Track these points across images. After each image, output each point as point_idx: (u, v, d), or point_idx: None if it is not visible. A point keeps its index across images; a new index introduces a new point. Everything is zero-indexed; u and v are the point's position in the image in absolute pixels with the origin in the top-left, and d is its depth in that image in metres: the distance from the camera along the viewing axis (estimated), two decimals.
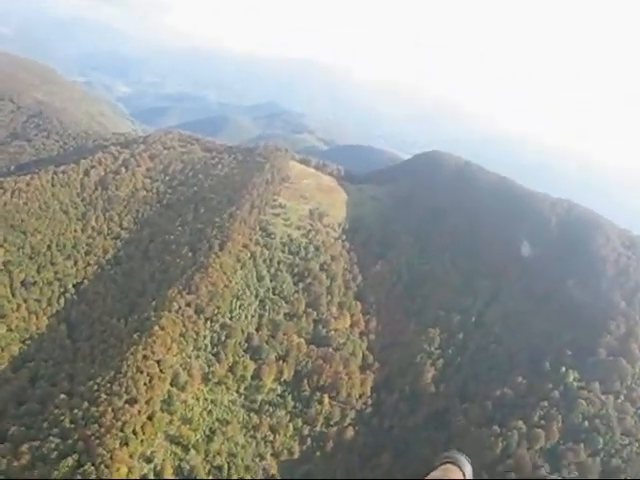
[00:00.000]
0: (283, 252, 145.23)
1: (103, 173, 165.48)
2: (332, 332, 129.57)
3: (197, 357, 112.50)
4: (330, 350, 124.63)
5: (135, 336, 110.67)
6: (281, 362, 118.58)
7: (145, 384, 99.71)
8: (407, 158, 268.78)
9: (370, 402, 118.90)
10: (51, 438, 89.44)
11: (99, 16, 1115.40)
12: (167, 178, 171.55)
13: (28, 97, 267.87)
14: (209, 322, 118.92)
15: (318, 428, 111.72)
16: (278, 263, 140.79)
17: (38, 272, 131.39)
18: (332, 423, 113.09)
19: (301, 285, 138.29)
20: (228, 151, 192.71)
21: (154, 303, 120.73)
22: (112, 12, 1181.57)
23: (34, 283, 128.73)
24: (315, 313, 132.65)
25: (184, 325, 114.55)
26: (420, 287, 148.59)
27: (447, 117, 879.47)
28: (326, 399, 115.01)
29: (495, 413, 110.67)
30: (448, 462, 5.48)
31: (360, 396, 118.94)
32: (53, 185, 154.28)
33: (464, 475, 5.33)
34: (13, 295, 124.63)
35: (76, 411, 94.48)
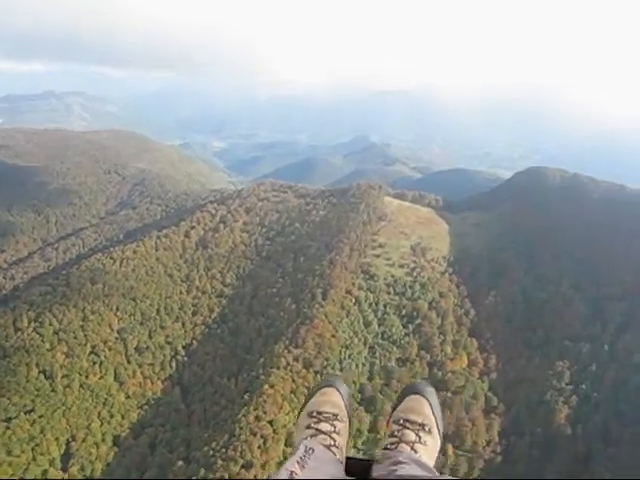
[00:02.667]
0: (388, 294, 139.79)
1: (202, 232, 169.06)
2: (449, 374, 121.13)
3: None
4: (449, 395, 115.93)
5: (246, 396, 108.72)
6: None
7: (259, 447, 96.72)
8: (507, 177, 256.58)
9: (499, 449, 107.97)
10: None
11: (191, 82, 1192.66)
12: (264, 230, 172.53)
13: (131, 167, 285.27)
14: (319, 375, 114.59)
15: None
16: (384, 306, 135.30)
17: (150, 337, 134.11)
18: (459, 475, 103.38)
19: (411, 327, 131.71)
20: (321, 195, 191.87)
21: (262, 360, 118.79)
22: (204, 80, 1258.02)
23: (147, 348, 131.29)
24: (429, 356, 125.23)
25: (294, 381, 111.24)
26: (540, 317, 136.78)
27: (541, 124, 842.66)
28: (450, 449, 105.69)
29: None
30: (413, 393, 5.25)
31: (487, 443, 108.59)
32: (157, 250, 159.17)
33: (431, 406, 5.18)
34: (128, 362, 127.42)
35: (194, 478, 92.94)
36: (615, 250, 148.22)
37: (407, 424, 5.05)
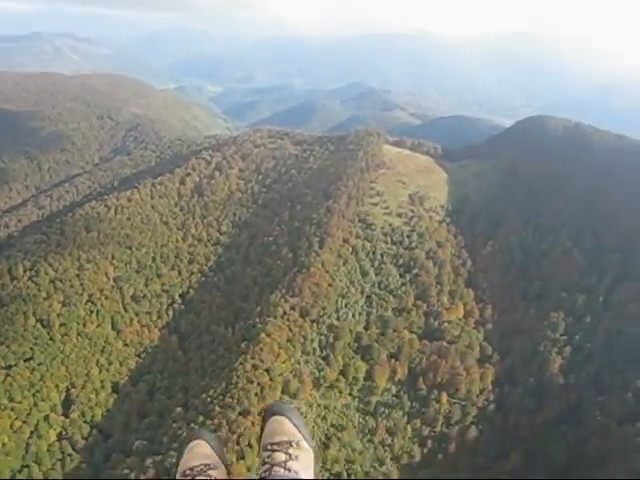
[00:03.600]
0: (386, 243, 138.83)
1: (198, 179, 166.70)
2: (445, 324, 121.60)
3: (306, 362, 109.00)
4: (444, 344, 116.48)
5: (243, 345, 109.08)
6: (393, 361, 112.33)
7: (256, 394, 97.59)
8: (508, 125, 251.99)
9: (492, 398, 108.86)
10: (171, 452, 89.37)
11: (185, 24, 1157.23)
12: (260, 177, 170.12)
13: (125, 112, 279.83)
14: (315, 324, 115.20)
15: (438, 429, 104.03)
16: (382, 255, 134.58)
17: (146, 285, 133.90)
18: (453, 423, 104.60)
19: (408, 277, 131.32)
20: (319, 142, 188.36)
21: (258, 309, 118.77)
22: (197, 19, 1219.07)
23: (143, 296, 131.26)
24: (425, 305, 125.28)
25: (290, 330, 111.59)
26: (537, 268, 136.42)
27: (542, 75, 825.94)
28: (444, 397, 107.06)
29: (638, 407, 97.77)
30: (271, 416, 5.44)
31: (481, 392, 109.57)
32: (152, 197, 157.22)
33: (291, 421, 5.34)
34: (125, 310, 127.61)
35: (192, 425, 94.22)
36: (615, 201, 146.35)
37: (274, 447, 5.16)
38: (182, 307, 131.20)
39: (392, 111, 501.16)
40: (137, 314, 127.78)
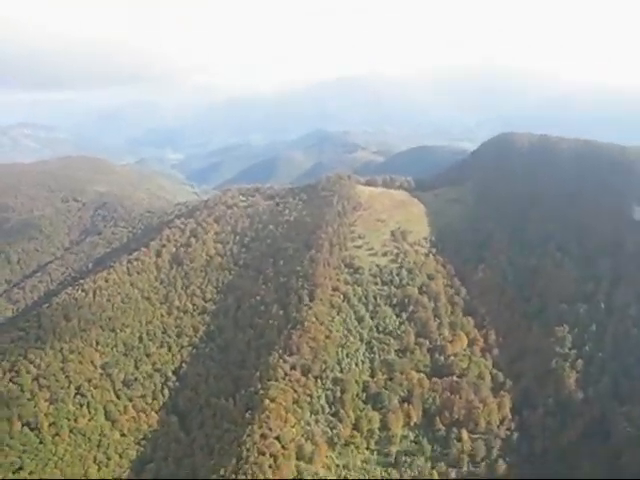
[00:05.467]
0: (376, 284, 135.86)
1: (174, 249, 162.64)
2: (451, 358, 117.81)
3: (317, 422, 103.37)
4: (455, 378, 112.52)
5: (247, 415, 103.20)
6: (406, 405, 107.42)
7: (270, 466, 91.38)
8: (470, 149, 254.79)
9: (513, 426, 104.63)
10: None
11: (137, 98, 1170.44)
12: (238, 238, 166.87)
13: (90, 192, 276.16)
14: (319, 381, 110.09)
15: (465, 468, 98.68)
16: (374, 298, 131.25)
17: (136, 367, 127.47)
18: (478, 460, 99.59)
19: (404, 315, 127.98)
20: (291, 193, 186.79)
21: (258, 374, 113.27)
22: (148, 91, 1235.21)
23: (135, 379, 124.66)
24: (427, 341, 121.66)
25: (295, 391, 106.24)
26: (532, 284, 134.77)
27: (491, 98, 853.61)
28: (465, 434, 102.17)
29: None
30: None
31: (501, 422, 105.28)
32: (130, 274, 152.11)
33: None
34: (118, 397, 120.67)
35: None
36: (595, 206, 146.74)
37: None
38: (177, 384, 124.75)
39: (355, 152, 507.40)
40: (131, 399, 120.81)
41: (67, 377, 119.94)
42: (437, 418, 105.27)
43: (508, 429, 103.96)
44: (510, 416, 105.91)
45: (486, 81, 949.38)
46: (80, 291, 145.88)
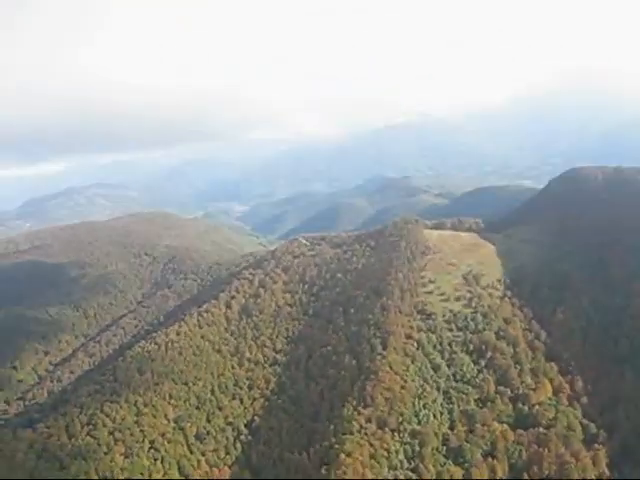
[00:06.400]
0: (450, 330, 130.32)
1: (244, 300, 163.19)
2: (536, 407, 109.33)
3: (395, 478, 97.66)
4: (542, 430, 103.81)
5: (323, 470, 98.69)
6: (490, 459, 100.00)
7: None
8: (534, 186, 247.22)
9: None
10: None
11: (204, 153, 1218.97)
12: (306, 287, 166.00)
13: (160, 246, 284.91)
14: (396, 434, 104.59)
15: None
16: (449, 345, 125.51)
17: (209, 421, 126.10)
18: None
19: (482, 362, 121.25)
20: (357, 240, 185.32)
21: (332, 427, 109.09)
22: (213, 147, 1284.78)
23: (207, 433, 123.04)
24: (509, 390, 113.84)
25: (371, 445, 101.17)
26: (618, 325, 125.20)
27: (546, 130, 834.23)
28: None
29: None
30: None
31: (598, 479, 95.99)
32: (200, 327, 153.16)
33: None
34: (191, 452, 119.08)
35: None
36: None
37: None
38: (249, 438, 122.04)
39: (417, 196, 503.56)
40: (203, 454, 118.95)
41: (141, 431, 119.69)
42: (525, 474, 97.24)
43: None
44: (607, 472, 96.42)
45: (540, 115, 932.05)
46: (153, 344, 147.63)
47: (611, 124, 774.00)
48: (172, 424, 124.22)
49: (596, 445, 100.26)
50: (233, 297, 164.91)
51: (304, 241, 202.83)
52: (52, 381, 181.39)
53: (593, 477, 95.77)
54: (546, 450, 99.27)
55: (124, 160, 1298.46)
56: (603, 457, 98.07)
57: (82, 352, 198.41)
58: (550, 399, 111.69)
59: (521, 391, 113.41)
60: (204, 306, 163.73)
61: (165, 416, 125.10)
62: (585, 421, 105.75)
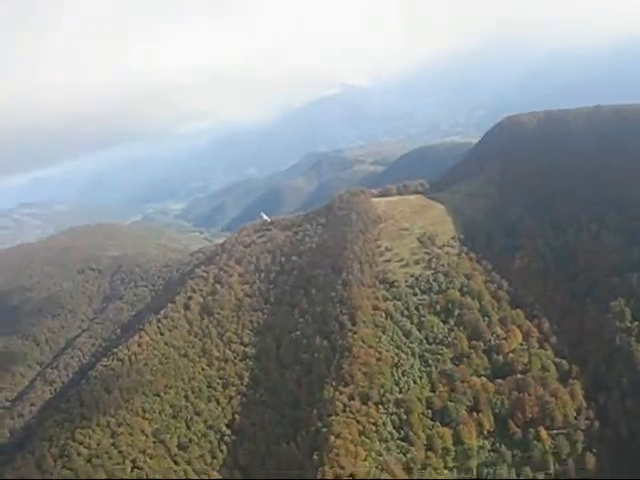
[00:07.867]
0: (415, 295, 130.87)
1: (202, 299, 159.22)
2: (510, 355, 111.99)
3: (387, 450, 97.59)
4: (519, 376, 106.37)
5: (315, 456, 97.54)
6: (475, 413, 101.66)
7: None
8: (466, 141, 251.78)
9: (592, 414, 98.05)
10: None
11: (128, 156, 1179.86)
12: (263, 275, 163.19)
13: (104, 258, 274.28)
14: (381, 406, 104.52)
15: (552, 468, 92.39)
16: (417, 309, 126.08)
17: (188, 428, 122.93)
18: (564, 457, 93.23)
19: (452, 321, 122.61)
20: (307, 219, 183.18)
21: (315, 411, 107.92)
22: (139, 147, 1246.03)
23: (190, 441, 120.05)
24: (482, 343, 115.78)
25: (358, 422, 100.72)
26: (574, 263, 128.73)
27: (465, 90, 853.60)
28: (543, 432, 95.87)
29: None
30: None
31: (578, 412, 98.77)
32: (162, 334, 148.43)
33: None
34: (176, 463, 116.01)
35: None
36: (618, 170, 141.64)
37: None
38: (233, 438, 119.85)
39: (353, 167, 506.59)
40: (189, 463, 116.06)
41: (120, 452, 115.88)
42: (510, 421, 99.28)
43: (587, 418, 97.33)
44: (586, 404, 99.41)
45: (458, 74, 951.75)
46: (116, 360, 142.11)
47: (525, 73, 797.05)
48: (151, 439, 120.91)
49: (571, 380, 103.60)
50: (190, 298, 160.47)
51: (265, 216, 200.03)
52: (12, 418, 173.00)
53: (574, 411, 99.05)
54: (526, 394, 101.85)
55: (43, 176, 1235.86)
56: (579, 390, 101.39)
57: (40, 381, 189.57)
58: (522, 345, 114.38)
59: (493, 342, 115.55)
60: (162, 312, 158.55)
61: (142, 432, 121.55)
62: (557, 359, 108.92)
